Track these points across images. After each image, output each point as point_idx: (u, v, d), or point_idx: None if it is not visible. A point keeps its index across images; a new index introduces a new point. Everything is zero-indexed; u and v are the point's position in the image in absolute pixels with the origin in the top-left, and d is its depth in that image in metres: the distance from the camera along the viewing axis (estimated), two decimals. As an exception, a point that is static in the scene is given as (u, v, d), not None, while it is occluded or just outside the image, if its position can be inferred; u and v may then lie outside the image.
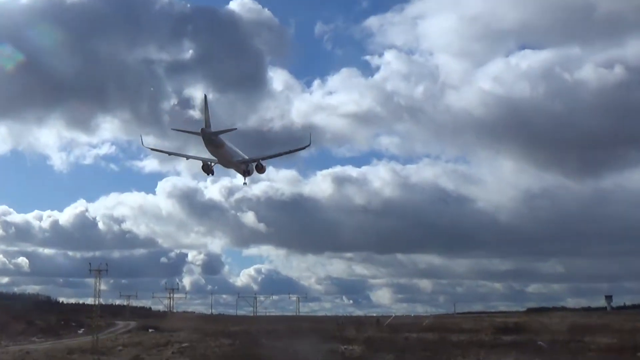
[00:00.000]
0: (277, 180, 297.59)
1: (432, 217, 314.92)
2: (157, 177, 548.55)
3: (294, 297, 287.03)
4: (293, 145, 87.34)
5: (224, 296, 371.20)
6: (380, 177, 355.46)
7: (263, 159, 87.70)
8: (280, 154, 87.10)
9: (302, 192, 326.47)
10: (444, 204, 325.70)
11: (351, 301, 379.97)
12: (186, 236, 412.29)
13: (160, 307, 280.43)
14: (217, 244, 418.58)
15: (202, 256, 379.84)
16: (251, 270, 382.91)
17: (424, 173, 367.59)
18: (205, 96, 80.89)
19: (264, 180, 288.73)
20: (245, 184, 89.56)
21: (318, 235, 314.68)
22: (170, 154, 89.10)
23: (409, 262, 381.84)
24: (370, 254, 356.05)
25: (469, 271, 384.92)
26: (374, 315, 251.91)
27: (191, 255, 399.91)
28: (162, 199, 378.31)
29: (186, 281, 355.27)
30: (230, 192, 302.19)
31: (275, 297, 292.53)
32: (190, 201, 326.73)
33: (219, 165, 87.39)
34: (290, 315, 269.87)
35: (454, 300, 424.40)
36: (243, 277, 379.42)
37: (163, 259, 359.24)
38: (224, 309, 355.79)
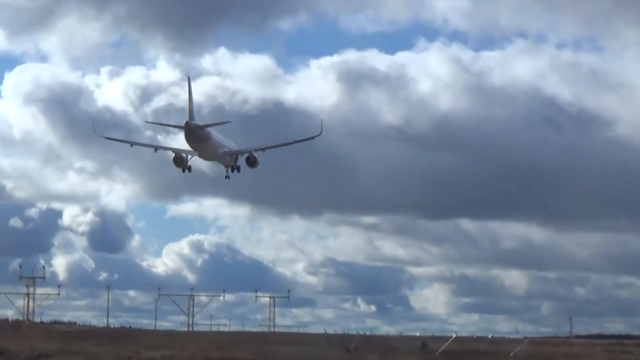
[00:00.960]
0: (235, 74, 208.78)
1: (530, 153, 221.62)
2: (5, 64, 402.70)
3: (265, 297, 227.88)
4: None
5: (132, 293, 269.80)
6: (431, 74, 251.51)
7: (257, 150, 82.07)
8: (281, 145, 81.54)
9: (282, 99, 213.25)
10: (553, 128, 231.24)
11: (373, 307, 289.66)
12: (60, 178, 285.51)
13: (10, 313, 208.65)
14: (118, 194, 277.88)
15: (90, 217, 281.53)
16: (183, 245, 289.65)
17: (515, 67, 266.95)
18: (189, 78, 77.67)
19: (211, 74, 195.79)
20: (227, 177, 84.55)
21: (311, 183, 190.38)
22: (133, 144, 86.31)
23: (485, 236, 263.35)
24: (410, 218, 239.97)
25: (599, 257, 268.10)
26: (417, 334, 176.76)
27: (69, 214, 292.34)
28: (13, 106, 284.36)
29: (59, 264, 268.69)
30: (146, 94, 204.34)
31: (229, 297, 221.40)
32: (69, 111, 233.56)
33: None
34: (258, 332, 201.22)
35: (570, 311, 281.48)
36: (168, 258, 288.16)
37: (15, 222, 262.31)
38: (131, 318, 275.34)
